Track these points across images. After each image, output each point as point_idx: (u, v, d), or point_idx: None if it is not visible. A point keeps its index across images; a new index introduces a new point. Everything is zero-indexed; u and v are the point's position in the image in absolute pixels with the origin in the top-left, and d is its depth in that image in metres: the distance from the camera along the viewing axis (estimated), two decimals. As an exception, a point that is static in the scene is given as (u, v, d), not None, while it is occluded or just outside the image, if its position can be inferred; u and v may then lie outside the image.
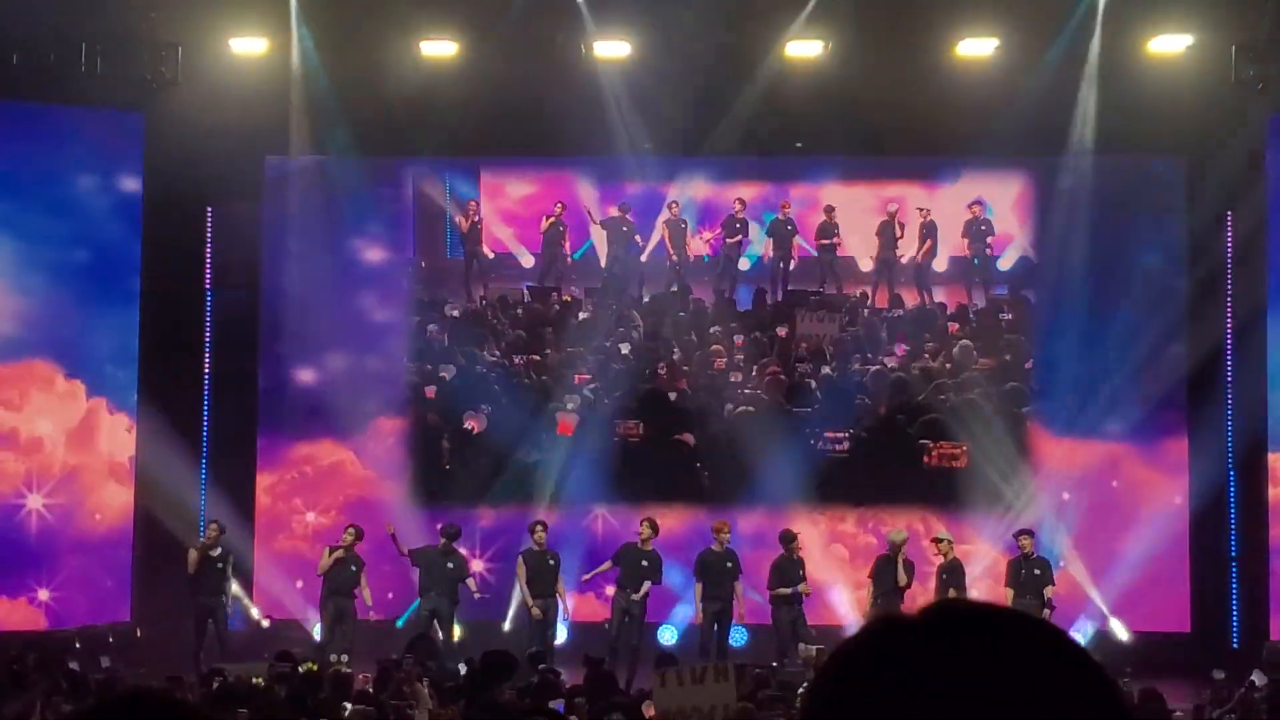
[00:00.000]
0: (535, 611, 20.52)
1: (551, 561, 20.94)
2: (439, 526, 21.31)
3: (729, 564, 20.78)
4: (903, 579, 20.47)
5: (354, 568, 20.93)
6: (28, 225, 22.11)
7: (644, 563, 20.86)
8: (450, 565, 20.85)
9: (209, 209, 23.56)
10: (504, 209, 23.91)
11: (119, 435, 22.60)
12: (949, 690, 1.62)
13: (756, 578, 21.03)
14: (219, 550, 20.97)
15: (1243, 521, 22.50)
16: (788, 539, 21.00)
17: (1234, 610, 22.50)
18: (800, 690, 15.48)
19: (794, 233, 23.53)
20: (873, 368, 23.30)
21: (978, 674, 1.63)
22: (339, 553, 20.89)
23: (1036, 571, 20.59)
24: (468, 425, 23.36)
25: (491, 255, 23.80)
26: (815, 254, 23.51)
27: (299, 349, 23.57)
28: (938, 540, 21.05)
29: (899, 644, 1.68)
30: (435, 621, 20.60)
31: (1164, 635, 22.14)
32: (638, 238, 23.57)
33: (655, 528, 21.03)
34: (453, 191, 23.92)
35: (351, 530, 21.13)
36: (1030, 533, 21.10)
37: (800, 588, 20.66)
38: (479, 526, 23.13)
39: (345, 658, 19.21)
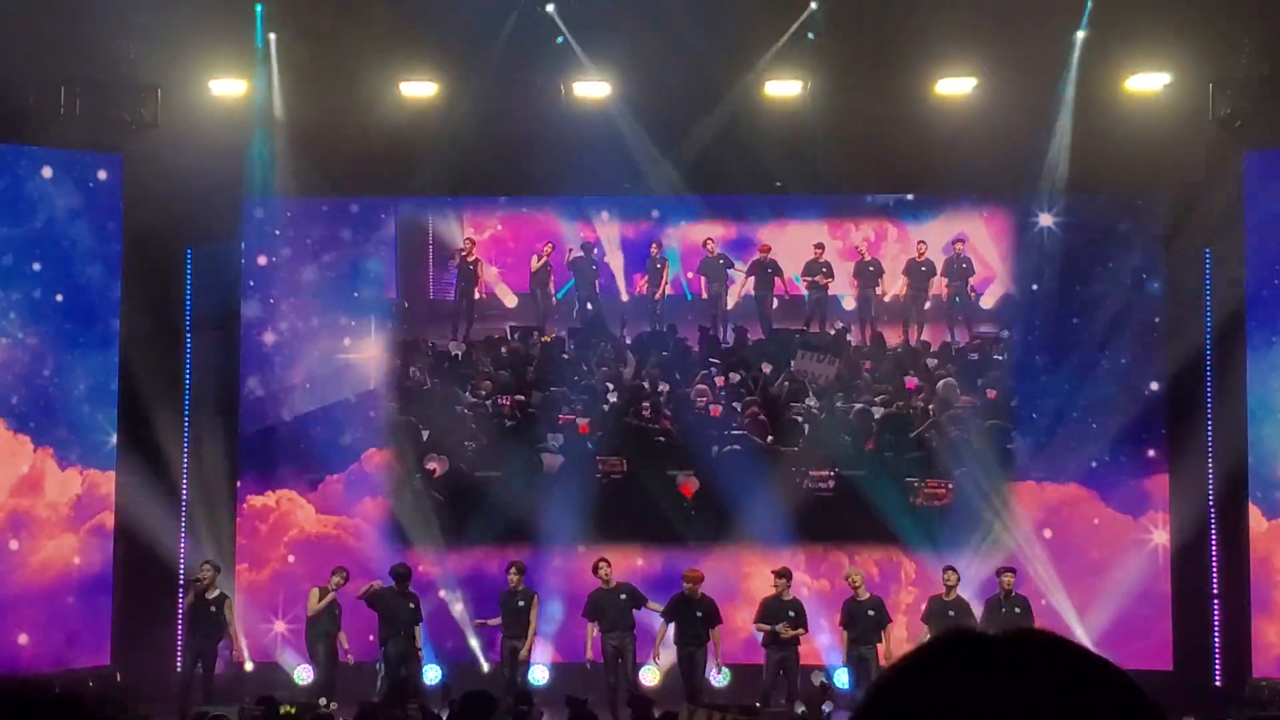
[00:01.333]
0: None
1: (522, 603, 20.90)
2: (390, 569, 21.22)
3: (699, 613, 20.71)
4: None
5: (337, 610, 20.89)
6: (4, 268, 22.04)
7: (622, 597, 20.84)
8: (411, 606, 20.82)
9: (188, 250, 23.53)
10: (485, 249, 23.89)
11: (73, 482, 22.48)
12: (1014, 712, 1.60)
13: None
14: (216, 593, 20.89)
15: (1224, 559, 22.50)
16: (778, 576, 20.93)
17: (1216, 648, 22.48)
18: None
19: (775, 274, 23.53)
20: (857, 405, 23.30)
21: (1045, 702, 1.61)
22: (330, 595, 20.83)
23: (1016, 610, 20.53)
24: (429, 467, 23.32)
25: (478, 295, 23.79)
26: (805, 292, 23.52)
27: (279, 390, 23.52)
28: (947, 571, 21.02)
29: (975, 658, 1.65)
30: (404, 665, 20.53)
31: (1145, 673, 22.08)
32: (598, 282, 23.53)
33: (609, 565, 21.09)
34: (436, 232, 23.91)
35: (340, 573, 21.04)
36: (1012, 570, 21.08)
37: (779, 628, 20.55)
38: (462, 567, 23.06)
39: (334, 704, 19.16)
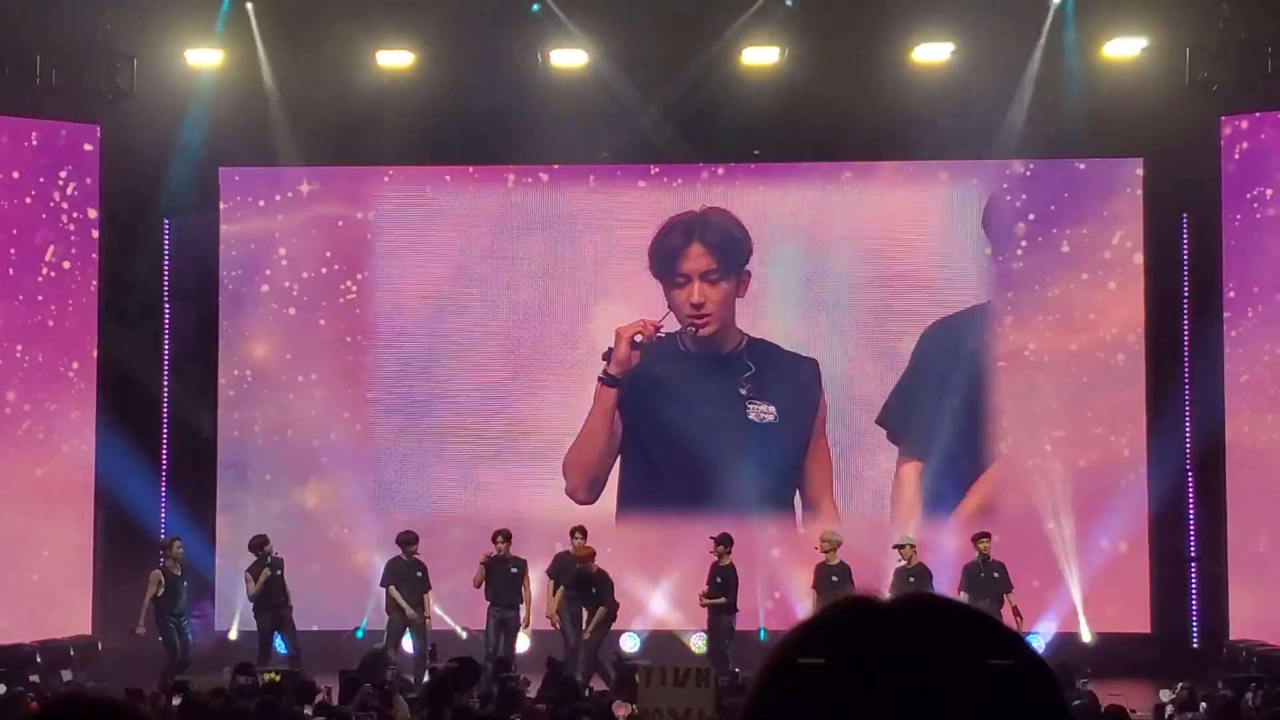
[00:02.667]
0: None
1: (514, 570, 20.89)
2: (396, 536, 21.17)
3: (513, 569, 20.77)
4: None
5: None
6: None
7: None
8: (419, 575, 20.82)
9: (166, 221, 23.49)
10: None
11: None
12: (902, 676, 1.61)
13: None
14: (180, 569, 20.90)
15: (1201, 522, 22.61)
16: (717, 543, 21.00)
17: (1193, 610, 22.60)
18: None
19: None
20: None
21: (935, 665, 1.63)
22: (265, 573, 20.72)
23: (995, 575, 20.59)
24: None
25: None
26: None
27: (261, 360, 23.50)
28: (900, 546, 21.04)
29: (867, 623, 1.68)
30: (410, 633, 20.54)
31: (1124, 636, 22.21)
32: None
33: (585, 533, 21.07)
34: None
35: (264, 543, 20.92)
36: (988, 535, 21.11)
37: (700, 596, 20.72)
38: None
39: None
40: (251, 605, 20.87)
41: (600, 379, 23.24)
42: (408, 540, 20.93)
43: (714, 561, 20.81)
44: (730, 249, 23.48)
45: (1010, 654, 1.68)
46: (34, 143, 22.60)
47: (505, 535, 20.98)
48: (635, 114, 22.70)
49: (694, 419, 22.94)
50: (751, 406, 23.16)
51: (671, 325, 23.33)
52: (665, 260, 23.54)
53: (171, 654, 20.38)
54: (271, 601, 20.63)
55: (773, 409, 23.18)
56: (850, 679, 1.62)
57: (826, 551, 20.89)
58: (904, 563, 20.87)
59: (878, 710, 1.60)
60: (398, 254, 23.75)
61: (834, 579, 20.61)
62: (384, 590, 20.83)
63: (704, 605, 20.68)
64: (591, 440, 23.28)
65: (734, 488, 22.60)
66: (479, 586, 20.61)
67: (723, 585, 20.65)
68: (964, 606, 1.74)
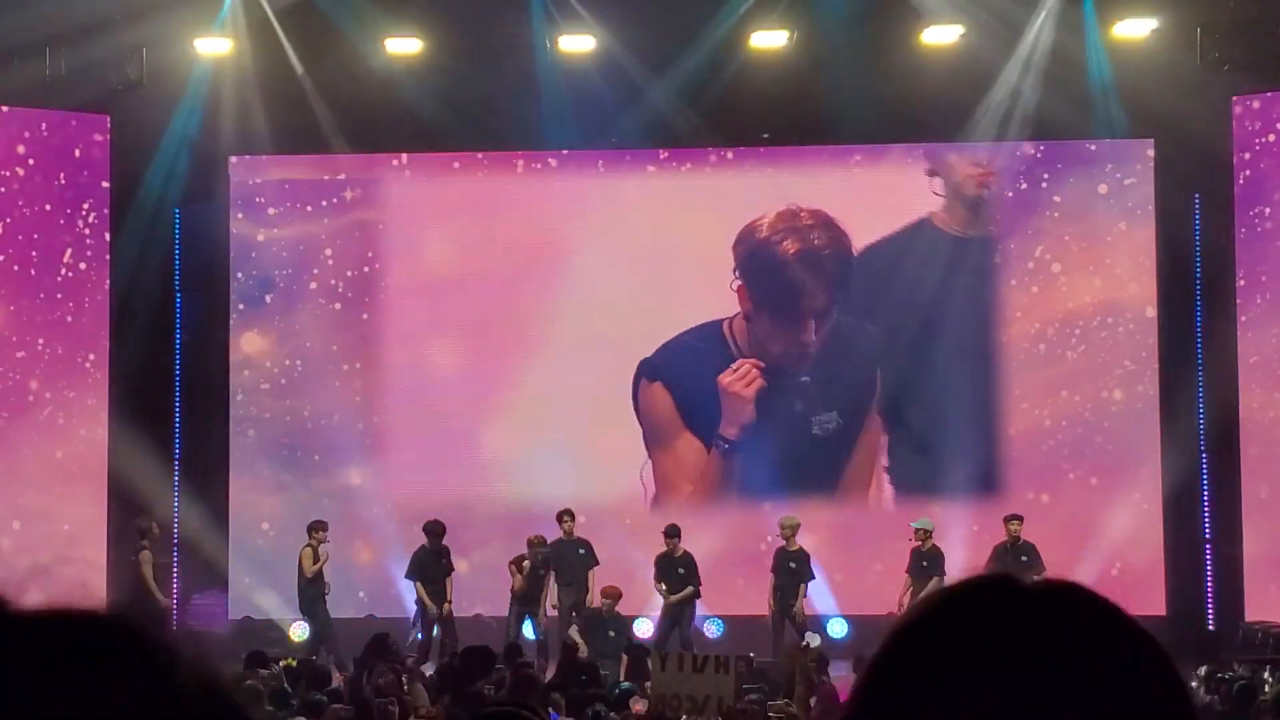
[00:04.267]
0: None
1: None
2: (423, 525, 21.19)
3: (580, 550, 20.83)
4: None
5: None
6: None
7: (580, 550, 20.84)
8: (443, 561, 20.86)
9: (176, 210, 23.46)
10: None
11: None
12: (1040, 663, 1.58)
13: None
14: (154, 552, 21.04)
15: (1216, 504, 22.56)
16: (668, 536, 21.05)
17: (1209, 592, 22.56)
18: None
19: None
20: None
21: (1076, 655, 1.59)
22: (325, 554, 20.89)
23: (1023, 558, 20.45)
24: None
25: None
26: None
27: (270, 348, 23.51)
28: (916, 528, 21.02)
29: (1008, 606, 1.63)
30: (434, 625, 20.59)
31: (1139, 618, 22.07)
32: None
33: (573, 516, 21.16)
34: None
35: (322, 529, 21.07)
36: (1019, 518, 21.06)
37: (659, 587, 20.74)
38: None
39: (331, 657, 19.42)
40: (300, 586, 20.94)
41: (719, 447, 22.87)
42: (434, 530, 20.95)
43: (667, 553, 20.78)
44: (844, 279, 23.34)
45: (1139, 643, 1.67)
46: (44, 133, 22.63)
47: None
48: (644, 98, 22.63)
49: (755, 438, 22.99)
50: (815, 421, 23.04)
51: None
52: (779, 291, 23.25)
53: None
54: (322, 588, 20.75)
55: (834, 414, 23.07)
56: (973, 661, 1.58)
57: (786, 537, 20.88)
58: (919, 544, 20.85)
59: (998, 692, 1.56)
60: (409, 239, 23.73)
61: (791, 565, 20.68)
62: (411, 581, 20.93)
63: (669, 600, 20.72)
64: (702, 494, 23.20)
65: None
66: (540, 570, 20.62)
67: (686, 576, 20.66)
68: (1081, 588, 1.70)
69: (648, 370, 23.34)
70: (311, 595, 20.94)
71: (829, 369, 23.07)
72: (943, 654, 1.58)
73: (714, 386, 23.02)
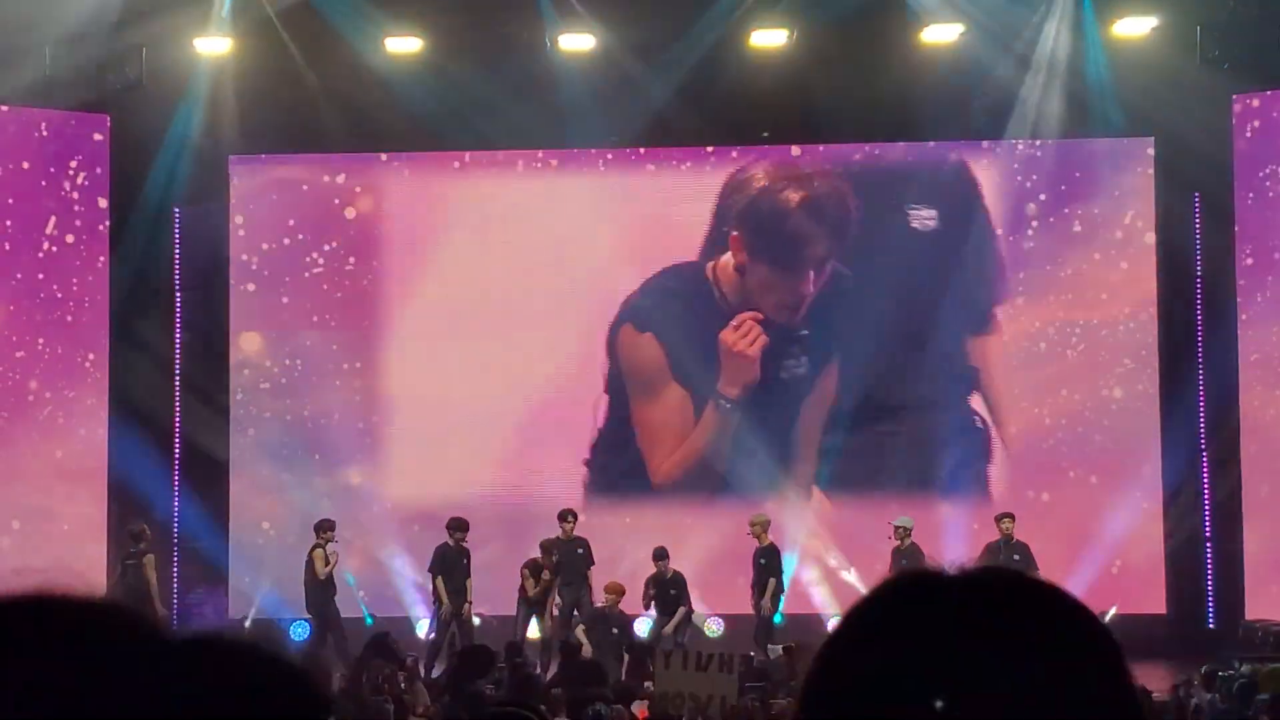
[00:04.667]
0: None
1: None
2: (447, 522, 21.16)
3: (579, 550, 20.83)
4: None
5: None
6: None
7: (578, 551, 20.86)
8: (465, 562, 20.87)
9: (176, 210, 23.45)
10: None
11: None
12: (970, 654, 1.59)
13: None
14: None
15: (1216, 502, 22.55)
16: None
17: (1209, 591, 22.55)
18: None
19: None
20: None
21: (1006, 641, 1.61)
22: (335, 554, 20.87)
23: (1015, 556, 20.47)
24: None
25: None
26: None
27: (270, 348, 23.51)
28: (896, 526, 21.04)
29: (933, 598, 1.65)
30: (452, 624, 20.57)
31: (1139, 616, 22.15)
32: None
33: (575, 517, 21.16)
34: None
35: (330, 528, 21.05)
36: (1010, 516, 21.08)
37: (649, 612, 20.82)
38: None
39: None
40: (310, 586, 20.89)
41: (720, 407, 22.78)
42: (457, 526, 20.94)
43: (658, 575, 20.76)
44: (845, 228, 23.25)
45: (1078, 624, 1.66)
46: (44, 133, 22.63)
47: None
48: (644, 97, 22.61)
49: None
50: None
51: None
52: (782, 241, 23.17)
53: None
54: (332, 589, 20.77)
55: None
56: (909, 654, 1.59)
57: (757, 535, 20.89)
58: (898, 543, 20.89)
59: (937, 681, 1.58)
60: (409, 239, 23.73)
61: (761, 561, 20.74)
62: (431, 577, 20.93)
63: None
64: (694, 452, 23.15)
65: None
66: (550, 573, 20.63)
67: (677, 596, 20.67)
68: (1022, 574, 1.71)
69: (632, 315, 23.22)
70: (321, 595, 20.89)
71: (823, 321, 23.03)
72: (870, 648, 1.61)
73: (702, 335, 22.94)
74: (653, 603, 20.73)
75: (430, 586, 21.03)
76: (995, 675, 1.58)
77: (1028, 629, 1.62)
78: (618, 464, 23.24)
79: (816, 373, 23.02)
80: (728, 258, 23.18)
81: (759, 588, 20.73)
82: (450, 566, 20.73)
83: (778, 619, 21.52)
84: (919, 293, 23.06)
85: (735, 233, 23.14)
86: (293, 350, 23.53)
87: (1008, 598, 1.66)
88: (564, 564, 20.84)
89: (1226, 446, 22.25)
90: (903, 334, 23.08)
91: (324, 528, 21.07)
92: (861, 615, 1.67)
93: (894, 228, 23.06)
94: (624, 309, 23.21)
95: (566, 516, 21.19)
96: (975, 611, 1.63)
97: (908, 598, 1.66)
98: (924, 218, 22.84)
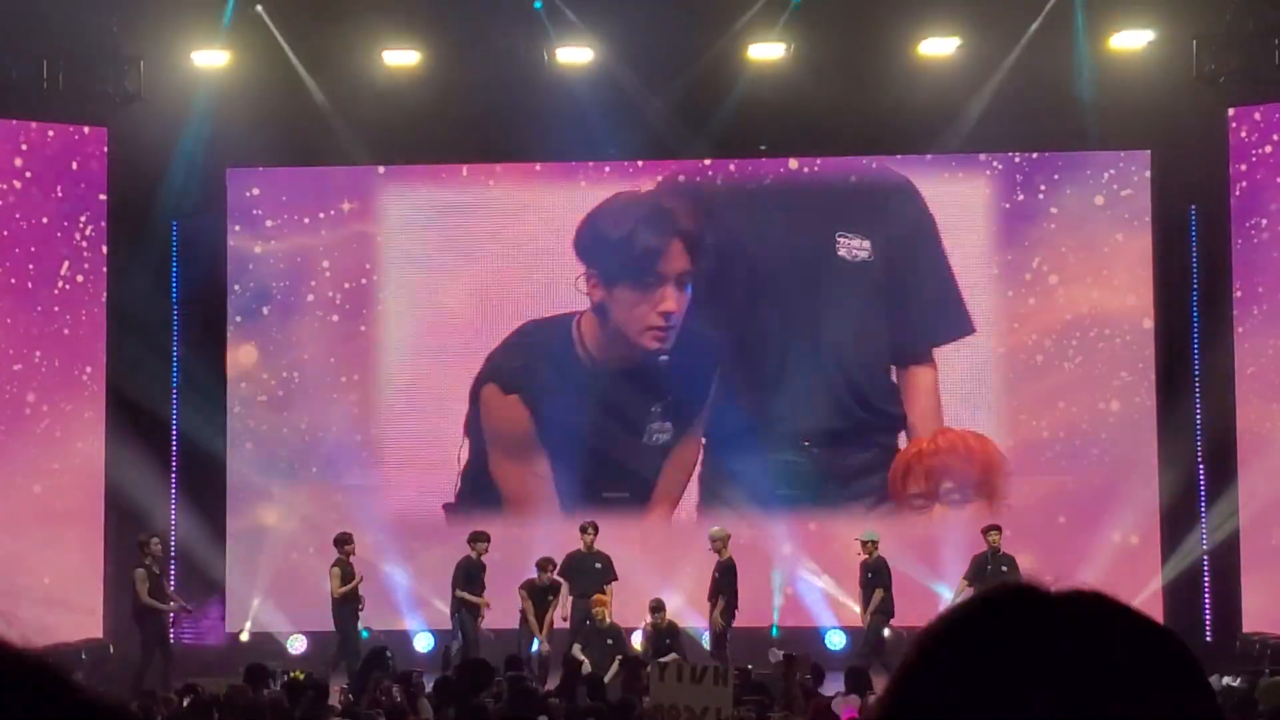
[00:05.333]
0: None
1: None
2: (469, 535, 21.12)
3: (597, 564, 20.81)
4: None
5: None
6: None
7: (596, 565, 20.83)
8: (482, 575, 20.90)
9: (174, 223, 23.44)
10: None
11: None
12: (1071, 676, 1.59)
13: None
14: (159, 567, 20.97)
15: (1213, 515, 22.54)
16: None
17: (1206, 605, 22.54)
18: None
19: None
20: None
21: (1111, 663, 1.62)
22: (354, 573, 20.82)
23: (1004, 569, 20.49)
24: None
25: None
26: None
27: (268, 361, 23.50)
28: (864, 541, 21.05)
29: (1035, 613, 1.65)
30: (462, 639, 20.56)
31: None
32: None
33: (597, 529, 21.12)
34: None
35: (349, 542, 21.04)
36: (997, 528, 21.10)
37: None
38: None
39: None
40: (334, 601, 20.80)
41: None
42: (479, 539, 20.95)
43: (654, 625, 20.55)
44: (702, 246, 23.21)
45: (1166, 649, 1.70)
46: (42, 145, 22.60)
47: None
48: (641, 110, 22.59)
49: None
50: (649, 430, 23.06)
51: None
52: (630, 260, 23.13)
53: (148, 655, 20.27)
54: (356, 604, 20.73)
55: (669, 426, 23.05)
56: (1001, 671, 1.59)
57: (718, 550, 20.83)
58: (865, 557, 20.90)
59: (1028, 703, 1.58)
60: (406, 251, 23.74)
61: (715, 575, 20.73)
62: (453, 591, 20.88)
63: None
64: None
65: None
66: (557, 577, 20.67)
67: (672, 645, 20.37)
68: (1115, 599, 1.72)
69: (496, 376, 23.16)
70: (338, 613, 20.84)
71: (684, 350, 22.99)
72: (968, 663, 1.61)
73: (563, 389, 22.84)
74: (652, 657, 20.57)
75: (451, 599, 20.93)
76: (1101, 698, 1.59)
77: (1136, 655, 1.65)
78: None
79: (681, 435, 23.01)
80: (589, 314, 23.19)
81: (715, 600, 20.66)
82: (473, 579, 20.73)
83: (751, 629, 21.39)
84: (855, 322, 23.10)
85: (584, 272, 23.15)
86: (290, 363, 23.53)
87: (1113, 621, 1.67)
88: (580, 577, 20.82)
89: (1223, 459, 22.22)
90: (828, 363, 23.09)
91: (343, 540, 21.01)
92: (965, 628, 1.66)
93: (829, 258, 23.09)
94: (489, 370, 23.20)
95: (587, 529, 21.15)
96: (1085, 633, 1.63)
97: (1016, 615, 1.65)
98: (854, 247, 22.92)
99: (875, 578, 20.74)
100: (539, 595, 20.70)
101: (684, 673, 13.09)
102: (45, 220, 22.56)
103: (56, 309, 22.60)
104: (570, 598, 20.67)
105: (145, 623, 20.46)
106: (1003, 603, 1.67)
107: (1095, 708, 1.58)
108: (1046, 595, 1.67)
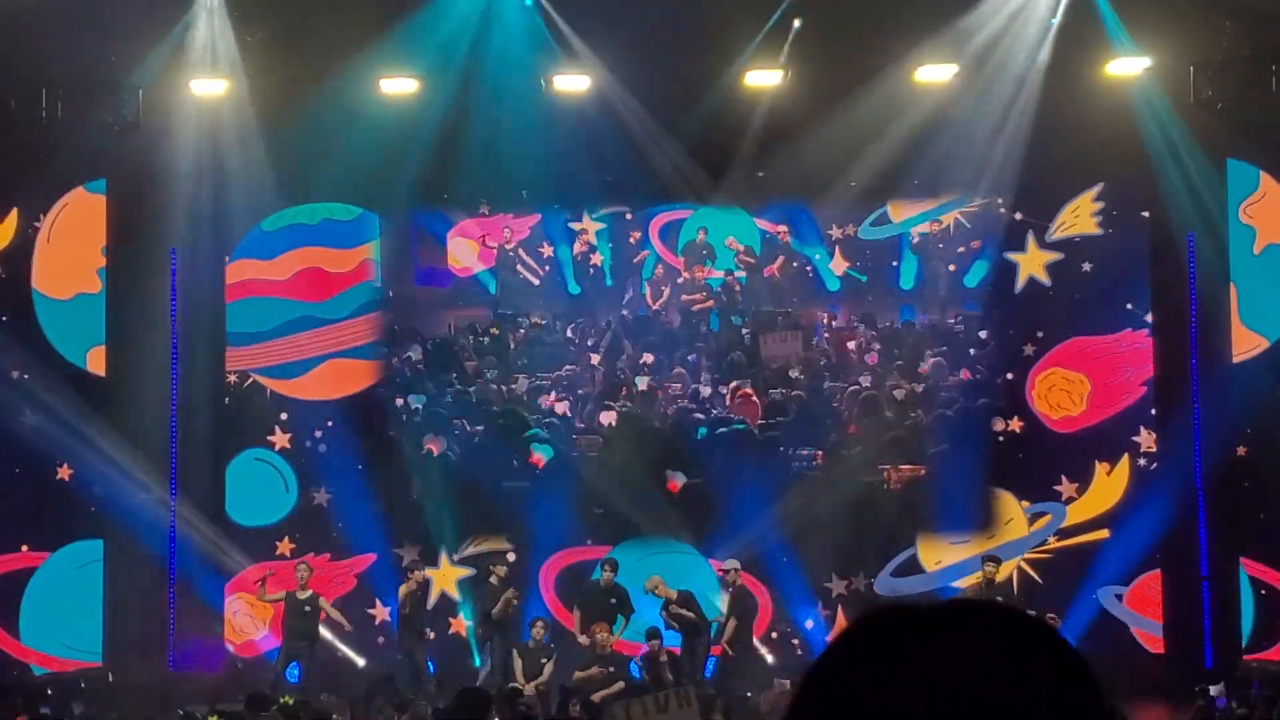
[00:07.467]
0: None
1: (614, 600, 20.94)
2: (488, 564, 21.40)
3: (612, 600, 20.87)
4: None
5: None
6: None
7: (612, 600, 20.85)
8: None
9: (173, 251, 23.36)
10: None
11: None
12: (943, 683, 1.60)
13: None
14: (308, 593, 20.97)
15: (1213, 540, 22.51)
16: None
17: (1207, 629, 22.49)
18: None
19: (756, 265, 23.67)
20: (850, 387, 23.29)
21: (977, 669, 1.62)
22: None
23: (999, 599, 20.44)
24: (427, 447, 23.25)
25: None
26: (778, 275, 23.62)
27: (267, 387, 23.52)
28: (726, 569, 21.22)
29: (903, 632, 1.67)
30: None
31: (1137, 655, 22.11)
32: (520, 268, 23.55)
33: (616, 567, 21.15)
34: (422, 224, 23.96)
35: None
36: (996, 559, 21.04)
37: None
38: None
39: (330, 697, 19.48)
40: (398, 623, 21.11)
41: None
42: (499, 562, 21.17)
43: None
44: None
45: (1056, 652, 1.68)
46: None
47: (614, 565, 21.16)
48: (638, 137, 22.55)
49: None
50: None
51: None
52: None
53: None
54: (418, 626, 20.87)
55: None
56: (884, 684, 1.61)
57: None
58: (731, 585, 21.04)
59: (912, 711, 1.60)
60: (404, 279, 23.81)
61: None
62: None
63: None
64: None
65: None
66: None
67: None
68: (997, 603, 1.74)
69: None
70: (401, 634, 21.03)
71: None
72: (848, 679, 1.64)
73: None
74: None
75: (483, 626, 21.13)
76: (973, 702, 1.60)
77: (1001, 654, 1.64)
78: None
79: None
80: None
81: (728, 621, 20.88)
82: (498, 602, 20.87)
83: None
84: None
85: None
86: (291, 388, 23.52)
87: (981, 624, 1.67)
88: (590, 608, 20.92)
89: (1223, 485, 22.20)
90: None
91: (412, 567, 21.41)
92: (840, 649, 1.69)
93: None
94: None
95: (605, 566, 21.26)
96: (947, 639, 1.64)
97: (883, 630, 1.68)
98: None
99: (735, 605, 20.93)
100: (600, 598, 20.93)
101: (648, 705, 13.15)
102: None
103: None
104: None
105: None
106: (870, 625, 1.70)
107: (974, 707, 1.59)
108: (914, 609, 1.69)
